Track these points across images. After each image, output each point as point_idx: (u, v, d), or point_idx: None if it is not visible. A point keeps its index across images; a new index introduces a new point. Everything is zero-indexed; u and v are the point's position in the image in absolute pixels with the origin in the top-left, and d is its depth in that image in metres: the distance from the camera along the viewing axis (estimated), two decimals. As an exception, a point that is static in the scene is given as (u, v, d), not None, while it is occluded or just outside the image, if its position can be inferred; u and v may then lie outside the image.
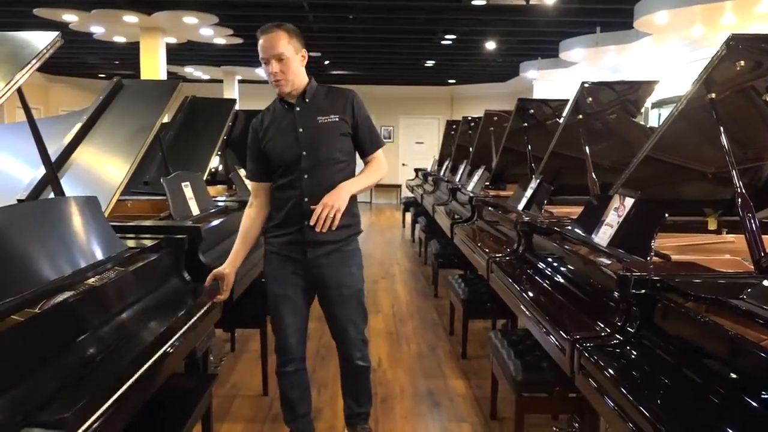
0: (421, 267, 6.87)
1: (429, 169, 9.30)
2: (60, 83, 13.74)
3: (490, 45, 9.79)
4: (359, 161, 2.43)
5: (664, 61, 8.22)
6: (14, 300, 1.51)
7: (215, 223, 3.06)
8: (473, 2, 7.09)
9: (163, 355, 1.83)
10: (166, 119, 3.79)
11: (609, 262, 2.09)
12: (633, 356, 1.71)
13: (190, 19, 8.05)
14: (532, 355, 2.50)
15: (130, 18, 8.10)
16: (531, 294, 2.49)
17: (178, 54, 10.50)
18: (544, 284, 2.58)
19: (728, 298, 1.50)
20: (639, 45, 7.82)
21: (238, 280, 2.78)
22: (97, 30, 8.72)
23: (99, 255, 2.01)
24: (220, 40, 9.33)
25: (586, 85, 3.43)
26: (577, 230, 2.53)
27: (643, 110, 4.54)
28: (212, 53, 10.84)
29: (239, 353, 3.85)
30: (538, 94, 11.46)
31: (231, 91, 13.26)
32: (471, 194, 4.72)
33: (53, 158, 2.51)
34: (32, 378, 1.42)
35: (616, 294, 1.90)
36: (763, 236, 1.90)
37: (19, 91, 2.18)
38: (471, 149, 6.07)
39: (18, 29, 2.48)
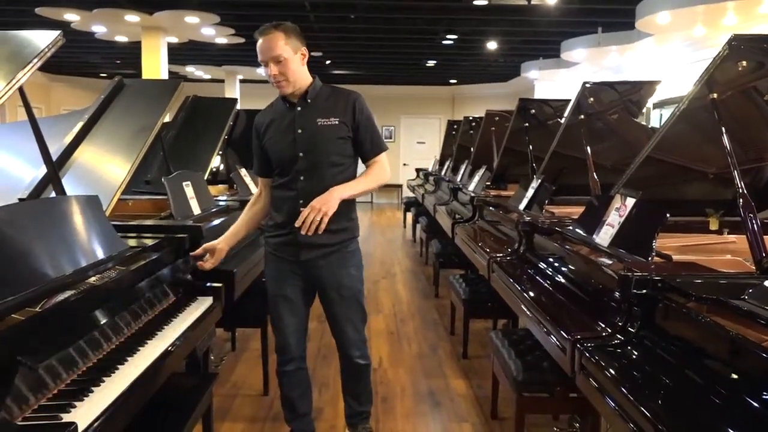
0: (422, 267, 6.87)
1: (430, 169, 9.31)
2: (61, 82, 13.75)
3: (492, 45, 9.79)
4: (362, 164, 2.42)
5: (666, 61, 8.21)
6: (15, 299, 1.50)
7: (216, 222, 3.06)
8: (475, 2, 7.09)
9: (163, 354, 1.83)
10: (167, 119, 3.79)
11: (610, 262, 2.09)
12: (634, 356, 1.71)
13: (191, 18, 8.05)
14: (532, 355, 2.49)
15: (132, 17, 8.10)
16: (532, 294, 2.49)
17: (179, 53, 10.51)
18: (545, 284, 2.58)
19: (729, 299, 1.50)
20: (641, 45, 7.81)
21: (240, 279, 2.79)
22: (99, 29, 8.72)
23: (100, 254, 2.01)
24: (222, 40, 9.34)
25: (587, 85, 3.43)
26: (578, 230, 2.53)
27: (644, 110, 4.54)
28: (214, 53, 10.85)
29: (240, 352, 3.85)
30: (539, 94, 11.45)
31: (232, 90, 13.27)
32: (472, 194, 4.72)
33: (54, 157, 2.51)
34: (33, 377, 1.42)
35: (617, 294, 1.90)
36: (765, 237, 1.89)
37: (21, 90, 2.18)
38: (472, 149, 6.07)
39: (19, 28, 2.48)
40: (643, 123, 4.16)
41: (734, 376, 1.38)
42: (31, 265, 1.68)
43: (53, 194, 2.34)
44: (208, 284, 2.49)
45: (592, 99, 3.46)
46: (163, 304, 2.26)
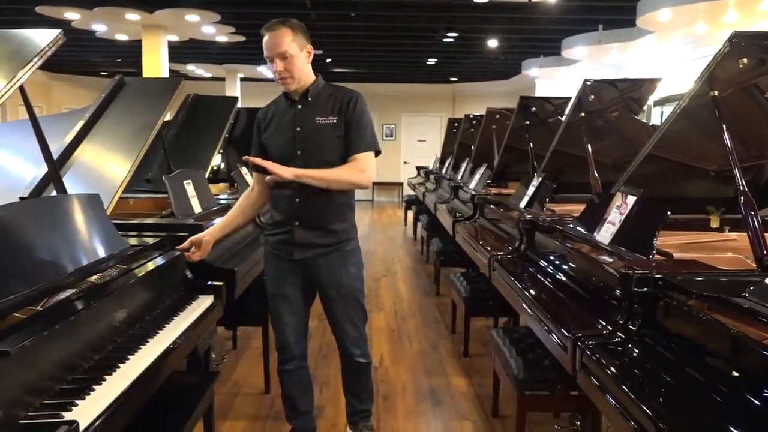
0: (422, 265, 6.87)
1: (431, 167, 9.30)
2: (62, 81, 13.75)
3: (493, 43, 9.78)
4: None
5: (667, 58, 8.20)
6: (17, 297, 1.51)
7: (217, 221, 3.05)
8: (475, 0, 7.08)
9: (165, 353, 1.83)
10: (168, 117, 3.79)
11: (611, 260, 2.09)
12: (635, 354, 1.71)
13: (192, 16, 8.05)
14: (533, 353, 2.49)
15: (132, 16, 8.10)
16: (533, 292, 2.49)
17: (180, 52, 10.51)
18: (546, 282, 2.58)
19: (730, 296, 1.50)
20: (642, 43, 7.80)
21: (241, 277, 2.79)
22: (99, 28, 8.72)
23: (101, 253, 2.01)
24: (222, 38, 9.33)
25: (588, 82, 3.42)
26: (579, 228, 2.53)
27: (645, 108, 4.54)
28: (214, 51, 10.85)
29: (241, 351, 3.85)
30: (540, 92, 11.44)
31: (233, 89, 13.26)
32: (473, 192, 4.72)
33: (55, 156, 2.51)
34: (35, 375, 1.43)
35: (618, 292, 1.90)
36: (766, 234, 1.89)
37: (22, 88, 2.18)
38: (473, 147, 6.07)
39: (20, 27, 2.47)
40: (644, 120, 4.16)
41: (735, 373, 1.38)
42: (33, 263, 1.68)
43: (54, 193, 2.34)
44: (210, 283, 2.50)
45: (592, 96, 3.46)
46: (165, 303, 2.26)
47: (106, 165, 2.76)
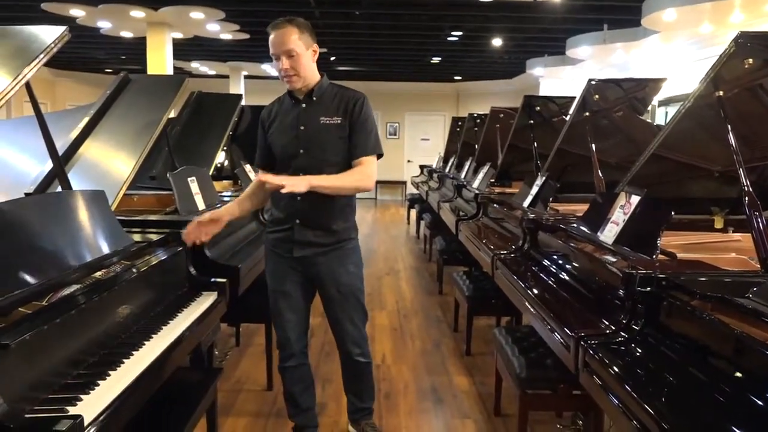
0: (425, 264, 6.87)
1: (434, 166, 9.30)
2: (66, 78, 13.78)
3: (497, 42, 9.77)
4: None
5: (672, 58, 8.17)
6: (22, 292, 1.52)
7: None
8: (480, -1, 7.08)
9: (169, 349, 1.84)
10: (172, 114, 3.80)
11: (614, 259, 2.09)
12: (638, 354, 1.71)
13: (196, 14, 8.06)
14: (536, 352, 2.50)
15: (137, 13, 8.12)
16: (536, 291, 2.49)
17: (184, 49, 10.52)
18: (549, 281, 2.58)
19: (734, 297, 1.49)
20: (647, 42, 7.78)
21: (244, 274, 2.80)
22: (104, 25, 8.74)
23: (106, 249, 2.02)
24: (227, 36, 9.34)
25: (593, 82, 3.42)
26: (582, 228, 2.53)
27: (650, 108, 4.52)
28: (218, 49, 10.86)
29: (244, 348, 3.86)
30: (544, 91, 11.42)
31: (237, 86, 13.28)
32: (476, 191, 4.72)
33: (60, 152, 2.52)
34: (40, 370, 1.43)
35: (621, 292, 1.90)
36: (770, 235, 1.89)
37: (27, 85, 2.19)
38: (476, 146, 6.07)
39: (25, 24, 2.48)
40: (649, 120, 4.15)
41: (738, 374, 1.38)
42: (38, 259, 1.69)
43: (59, 189, 2.35)
44: (213, 280, 2.50)
45: (597, 96, 3.45)
46: (168, 299, 2.27)
47: (111, 161, 2.77)
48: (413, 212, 9.26)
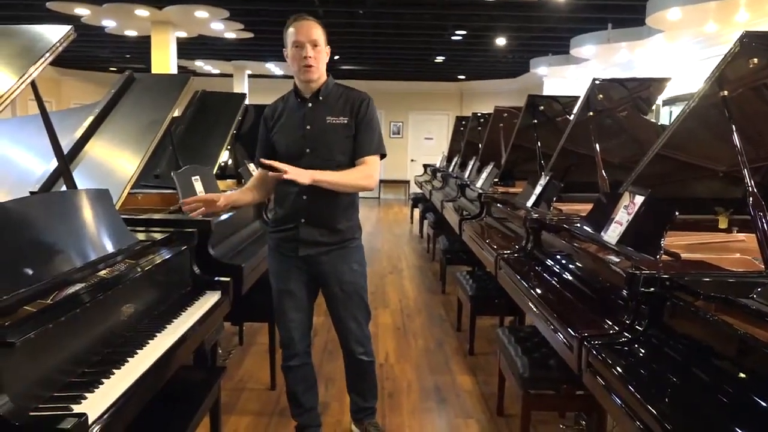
0: (428, 263, 6.87)
1: (438, 165, 9.29)
2: (71, 77, 13.81)
3: (501, 41, 9.75)
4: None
5: (677, 58, 8.15)
6: (27, 291, 1.52)
7: (225, 217, 3.07)
8: (484, -2, 7.07)
9: (172, 348, 1.85)
10: (176, 113, 3.80)
11: (618, 259, 2.08)
12: (641, 354, 1.71)
13: (201, 13, 8.07)
14: (539, 352, 2.50)
15: (142, 12, 8.13)
16: (539, 291, 2.49)
17: (188, 48, 10.54)
18: (553, 281, 2.58)
19: (738, 298, 1.49)
20: (651, 42, 7.75)
21: (248, 273, 2.81)
22: (109, 24, 8.76)
23: (110, 247, 2.02)
24: (231, 35, 9.35)
25: (597, 81, 3.41)
26: (586, 228, 2.53)
27: (654, 108, 4.51)
28: (223, 47, 10.87)
29: (247, 347, 3.87)
30: (548, 90, 11.40)
31: (241, 85, 13.29)
32: (480, 191, 4.72)
33: (65, 151, 2.53)
34: (45, 368, 1.44)
35: (624, 292, 1.89)
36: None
37: (33, 84, 2.20)
38: (480, 145, 6.06)
39: (30, 23, 2.49)
40: (653, 120, 4.13)
41: (742, 375, 1.38)
42: (42, 257, 1.70)
43: (64, 188, 2.36)
44: (217, 278, 2.51)
45: (601, 96, 3.45)
46: (172, 298, 2.28)
47: (116, 160, 2.78)
48: (416, 211, 9.25)
